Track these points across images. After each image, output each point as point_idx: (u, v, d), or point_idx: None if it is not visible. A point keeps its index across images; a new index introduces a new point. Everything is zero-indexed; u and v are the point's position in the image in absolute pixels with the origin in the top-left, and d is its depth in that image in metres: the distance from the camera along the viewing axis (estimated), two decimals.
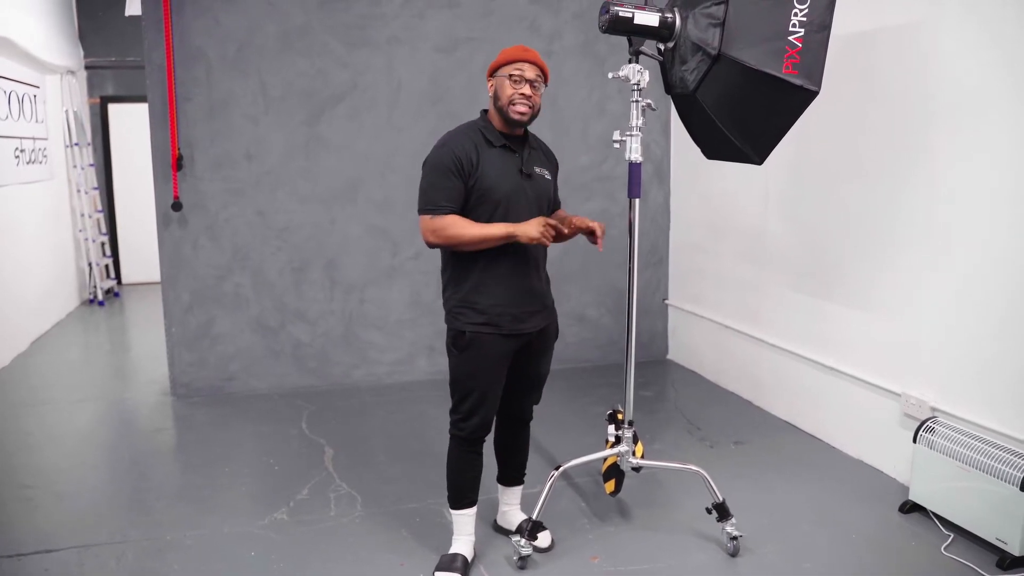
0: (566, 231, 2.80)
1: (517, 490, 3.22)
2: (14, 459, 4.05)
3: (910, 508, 3.39)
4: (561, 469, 3.12)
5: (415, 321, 5.23)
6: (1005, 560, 2.99)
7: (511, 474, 3.19)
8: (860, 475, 3.78)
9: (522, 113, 2.76)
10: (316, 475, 3.81)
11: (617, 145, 2.93)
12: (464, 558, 2.95)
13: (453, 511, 2.99)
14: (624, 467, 3.21)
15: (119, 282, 8.77)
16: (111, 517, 3.42)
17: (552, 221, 2.71)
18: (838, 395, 4.06)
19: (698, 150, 3.28)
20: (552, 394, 5.09)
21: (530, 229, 2.66)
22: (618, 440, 3.19)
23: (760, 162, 3.08)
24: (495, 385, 2.84)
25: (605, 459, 3.26)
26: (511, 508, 3.23)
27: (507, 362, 2.85)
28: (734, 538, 3.06)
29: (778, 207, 4.46)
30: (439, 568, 2.93)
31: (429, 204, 2.72)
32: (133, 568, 3.02)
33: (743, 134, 2.98)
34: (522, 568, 2.98)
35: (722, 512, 3.09)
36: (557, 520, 3.29)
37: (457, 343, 2.80)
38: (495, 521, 3.30)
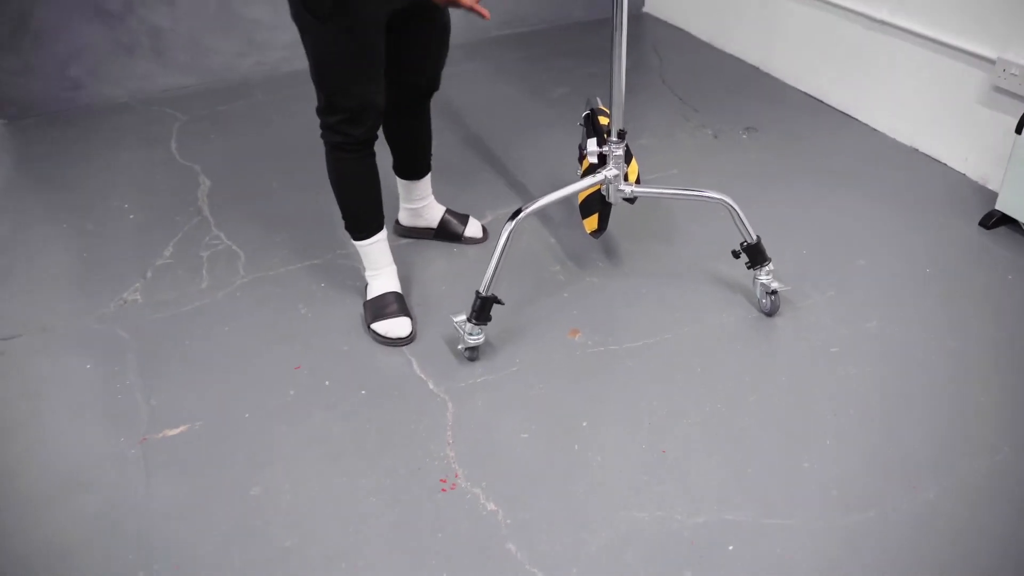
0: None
1: (428, 179, 2.50)
2: None
3: (996, 222, 2.49)
4: (522, 215, 2.07)
5: None
6: None
7: (422, 162, 2.45)
8: (923, 174, 2.82)
9: None
10: (184, 223, 2.76)
11: None
12: (396, 294, 2.25)
13: (360, 243, 2.25)
14: (613, 199, 2.20)
15: None
16: None
17: None
18: (891, 60, 2.98)
19: None
20: (498, 70, 3.98)
21: None
22: (602, 160, 2.16)
23: None
24: (381, 58, 1.97)
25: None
26: (427, 202, 2.55)
27: (383, 27, 1.93)
28: (772, 292, 2.15)
29: None
30: (375, 319, 2.22)
31: None
32: None
33: None
34: (472, 360, 2.09)
35: (755, 256, 2.15)
36: (518, 270, 2.37)
37: (314, 7, 1.83)
38: (398, 224, 2.61)
